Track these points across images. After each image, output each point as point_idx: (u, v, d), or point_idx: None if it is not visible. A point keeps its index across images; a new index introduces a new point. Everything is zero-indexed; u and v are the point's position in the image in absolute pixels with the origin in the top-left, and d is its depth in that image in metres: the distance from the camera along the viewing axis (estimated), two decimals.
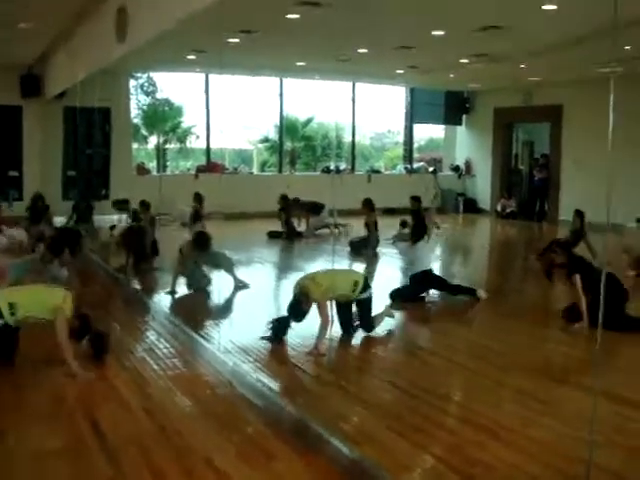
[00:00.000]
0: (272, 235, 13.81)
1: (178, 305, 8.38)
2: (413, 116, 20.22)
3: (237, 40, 11.54)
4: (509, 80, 16.69)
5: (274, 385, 5.47)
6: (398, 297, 8.29)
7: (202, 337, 6.75)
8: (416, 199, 13.26)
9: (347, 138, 20.83)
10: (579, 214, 11.30)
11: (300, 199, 14.45)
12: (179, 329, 7.15)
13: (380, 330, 7.14)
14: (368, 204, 12.67)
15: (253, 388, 5.40)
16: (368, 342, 6.92)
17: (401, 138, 22.01)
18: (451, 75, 16.09)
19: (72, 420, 4.74)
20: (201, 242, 8.90)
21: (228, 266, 9.15)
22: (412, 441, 4.44)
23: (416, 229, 10.55)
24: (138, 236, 10.29)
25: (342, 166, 19.90)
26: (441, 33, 11.08)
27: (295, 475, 4.06)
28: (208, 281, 9.11)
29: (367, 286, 6.86)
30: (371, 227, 12.37)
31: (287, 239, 13.76)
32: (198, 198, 13.77)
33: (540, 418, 4.91)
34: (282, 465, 4.17)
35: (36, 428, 4.63)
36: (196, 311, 7.98)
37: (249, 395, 5.29)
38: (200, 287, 8.93)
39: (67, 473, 3.98)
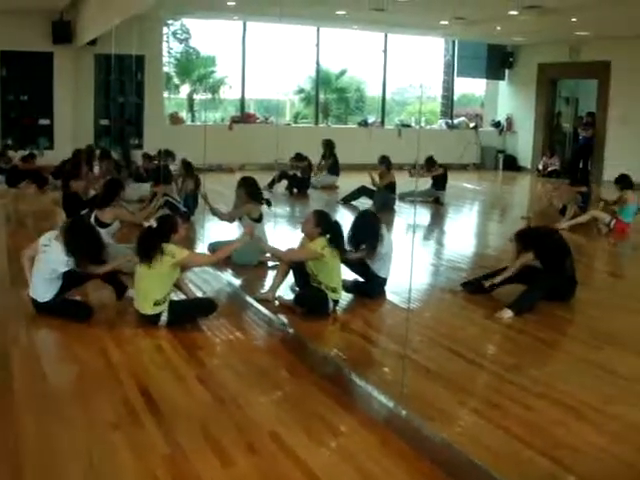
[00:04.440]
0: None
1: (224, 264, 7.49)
2: (455, 69, 19.54)
3: None
4: (556, 34, 15.97)
5: (332, 352, 5.12)
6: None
7: (250, 295, 6.32)
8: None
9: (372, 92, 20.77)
10: None
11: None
12: (226, 286, 6.81)
13: (433, 293, 6.76)
14: (384, 161, 12.27)
15: (310, 354, 5.07)
16: (421, 306, 6.53)
17: (432, 93, 21.45)
18: (497, 28, 15.42)
19: (123, 390, 4.40)
20: None
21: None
22: (488, 418, 4.09)
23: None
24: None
25: (371, 119, 19.37)
26: None
27: (366, 452, 3.74)
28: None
29: None
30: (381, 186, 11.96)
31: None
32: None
33: (626, 396, 4.52)
34: (350, 440, 3.86)
35: (92, 397, 4.30)
36: (243, 269, 7.38)
37: (306, 362, 4.95)
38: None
39: (124, 449, 3.66)
